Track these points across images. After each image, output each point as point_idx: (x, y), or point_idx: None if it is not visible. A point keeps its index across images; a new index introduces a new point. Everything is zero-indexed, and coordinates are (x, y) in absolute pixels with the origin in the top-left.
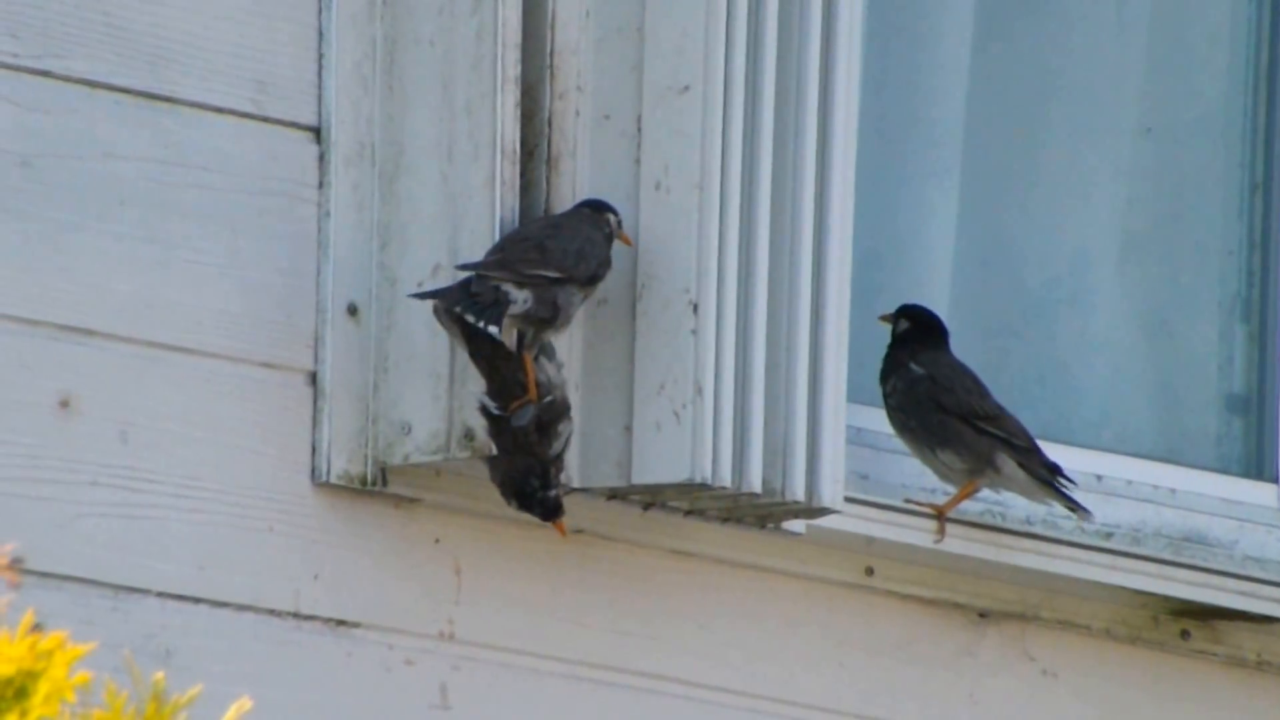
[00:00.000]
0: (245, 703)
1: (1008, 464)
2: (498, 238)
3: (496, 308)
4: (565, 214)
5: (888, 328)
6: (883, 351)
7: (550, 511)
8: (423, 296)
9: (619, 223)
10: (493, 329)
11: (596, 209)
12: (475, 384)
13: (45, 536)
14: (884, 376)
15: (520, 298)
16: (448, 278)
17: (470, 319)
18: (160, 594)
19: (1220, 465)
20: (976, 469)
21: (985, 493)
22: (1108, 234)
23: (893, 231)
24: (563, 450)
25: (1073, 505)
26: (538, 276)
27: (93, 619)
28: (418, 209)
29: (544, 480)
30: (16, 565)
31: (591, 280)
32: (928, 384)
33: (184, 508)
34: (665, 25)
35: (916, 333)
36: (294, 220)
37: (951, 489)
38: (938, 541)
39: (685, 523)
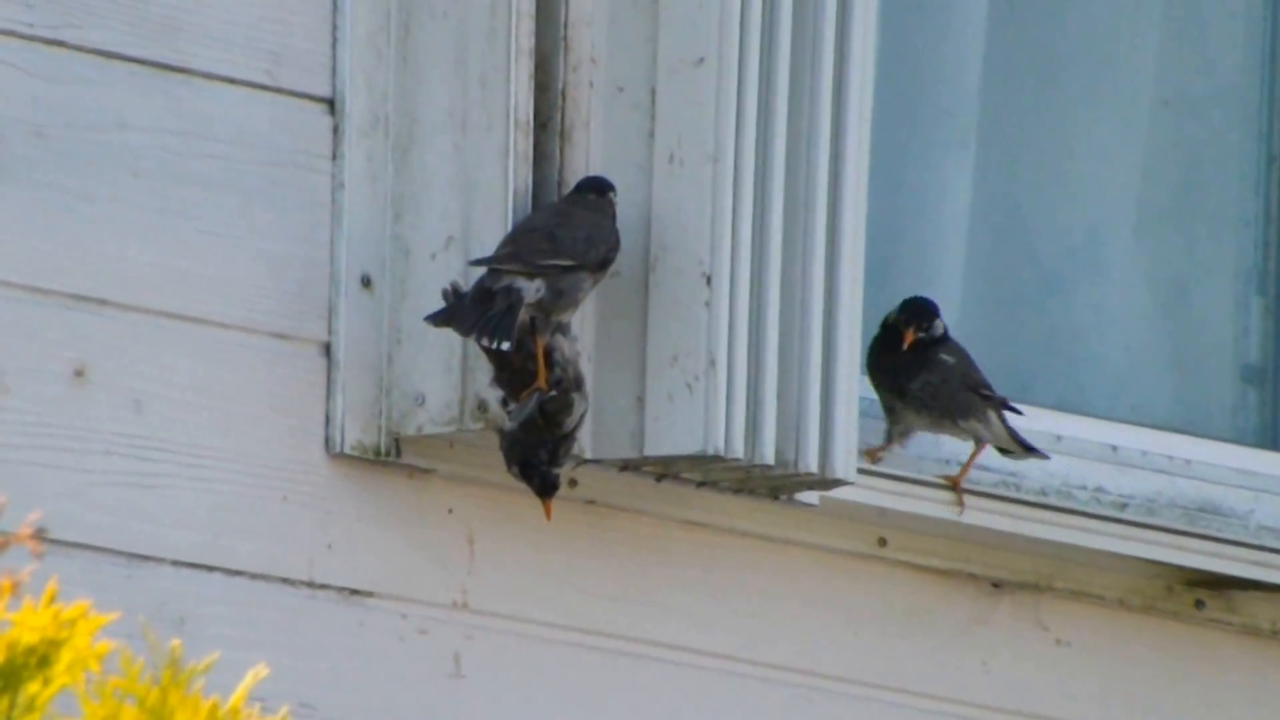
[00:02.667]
0: (261, 670)
1: (993, 419)
2: (510, 209)
3: (509, 315)
4: (570, 200)
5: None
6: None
7: (546, 488)
8: (437, 324)
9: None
10: (505, 345)
11: (600, 192)
12: (485, 373)
13: (59, 505)
14: (911, 374)
15: (532, 288)
16: (460, 251)
17: (485, 343)
18: (174, 562)
19: (1236, 436)
20: (982, 431)
21: (1001, 464)
22: (1124, 206)
23: (908, 203)
24: (576, 427)
25: (1030, 449)
26: (550, 266)
27: (106, 586)
28: (431, 180)
29: (552, 456)
30: (40, 535)
31: (602, 265)
32: (960, 368)
33: (197, 477)
34: None
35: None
36: (307, 191)
37: (960, 455)
38: (960, 514)
39: (698, 494)
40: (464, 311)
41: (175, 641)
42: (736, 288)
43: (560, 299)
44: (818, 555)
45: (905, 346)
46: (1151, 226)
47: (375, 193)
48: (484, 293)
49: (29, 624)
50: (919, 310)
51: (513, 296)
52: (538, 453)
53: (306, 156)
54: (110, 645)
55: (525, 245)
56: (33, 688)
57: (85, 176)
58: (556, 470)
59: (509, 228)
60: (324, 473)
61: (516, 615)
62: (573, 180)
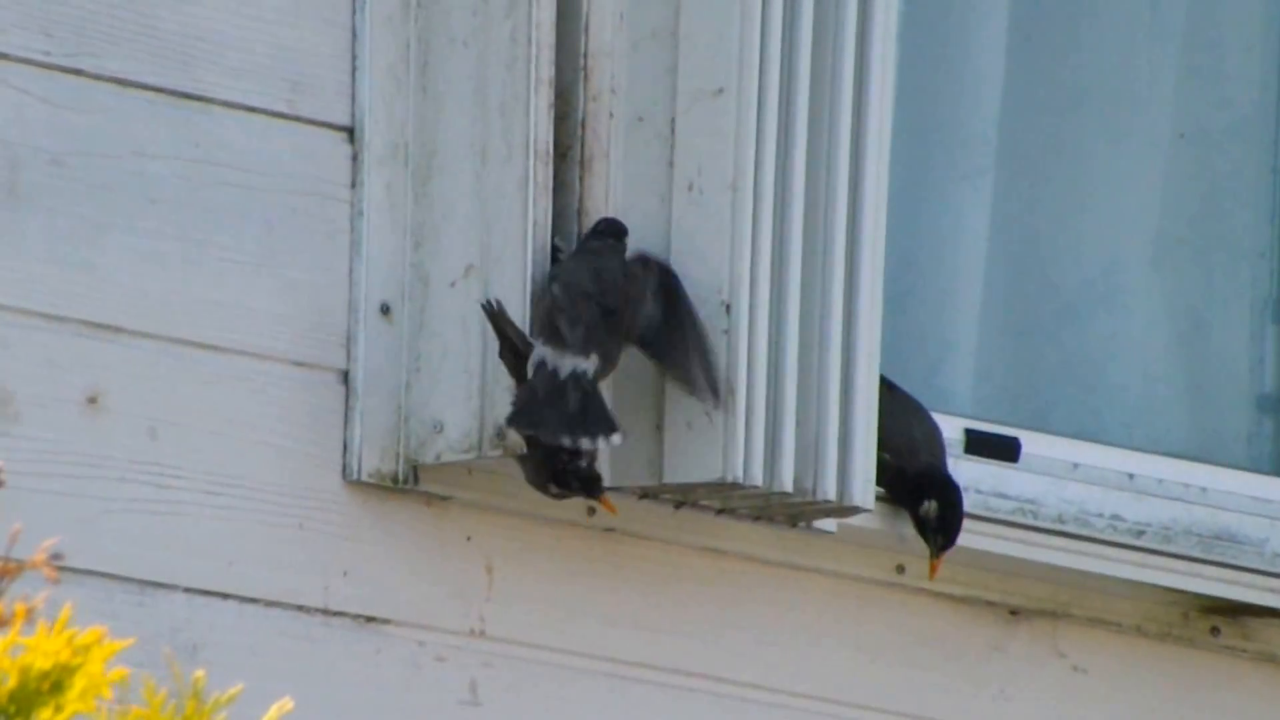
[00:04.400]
0: (286, 703)
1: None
2: (530, 239)
3: (591, 407)
4: (596, 249)
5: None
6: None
7: (591, 484)
8: (520, 429)
9: None
10: (615, 438)
11: (619, 236)
12: (504, 401)
13: (73, 532)
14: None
15: (592, 365)
16: (479, 280)
17: (585, 444)
18: (188, 589)
19: (1251, 464)
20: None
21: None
22: (1141, 237)
23: (926, 233)
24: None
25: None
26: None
27: (119, 614)
28: (451, 209)
29: (573, 453)
30: (55, 561)
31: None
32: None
33: (213, 504)
34: (700, 28)
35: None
36: (327, 220)
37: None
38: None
39: (717, 521)
40: (542, 412)
41: (199, 672)
42: (755, 316)
43: (608, 365)
44: (836, 582)
45: (931, 574)
46: (1168, 257)
47: (394, 221)
48: (552, 382)
49: (42, 649)
50: (956, 532)
51: (583, 384)
52: (557, 457)
53: (326, 185)
54: (124, 672)
55: (592, 324)
56: (45, 714)
57: (102, 204)
58: (584, 463)
59: (528, 257)
60: (341, 500)
61: (534, 643)
62: (593, 210)
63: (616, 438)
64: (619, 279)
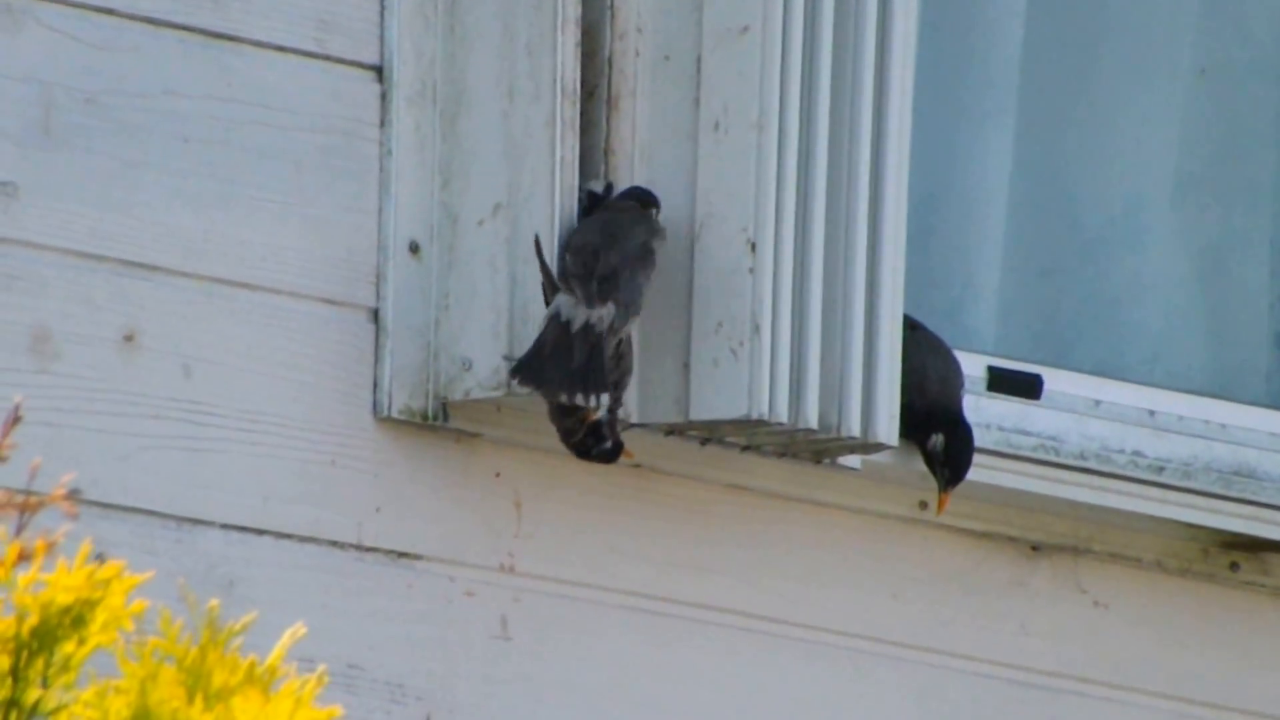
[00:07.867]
0: (300, 629)
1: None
2: (558, 177)
3: (595, 364)
4: (615, 210)
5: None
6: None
7: (611, 456)
8: (522, 382)
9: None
10: (604, 398)
11: (645, 203)
12: (532, 339)
13: (109, 469)
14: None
15: (608, 315)
16: (507, 218)
17: (580, 400)
18: (224, 526)
19: (1271, 401)
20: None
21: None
22: (1162, 174)
23: (948, 172)
24: (620, 390)
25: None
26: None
27: (157, 550)
28: (478, 148)
29: (597, 436)
30: (74, 497)
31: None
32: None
33: (247, 441)
34: None
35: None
36: (356, 159)
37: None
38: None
39: (742, 458)
40: (546, 367)
41: (214, 602)
42: (780, 254)
43: (630, 312)
44: (859, 519)
45: (939, 509)
46: (1189, 195)
47: (423, 160)
48: (561, 333)
49: (63, 584)
50: (964, 467)
51: (591, 337)
52: (585, 442)
53: (355, 124)
54: (145, 604)
55: (607, 274)
56: (68, 648)
57: (135, 144)
58: (608, 444)
59: (556, 196)
60: (372, 437)
61: (563, 578)
62: (619, 148)
63: (605, 398)
64: (636, 226)
